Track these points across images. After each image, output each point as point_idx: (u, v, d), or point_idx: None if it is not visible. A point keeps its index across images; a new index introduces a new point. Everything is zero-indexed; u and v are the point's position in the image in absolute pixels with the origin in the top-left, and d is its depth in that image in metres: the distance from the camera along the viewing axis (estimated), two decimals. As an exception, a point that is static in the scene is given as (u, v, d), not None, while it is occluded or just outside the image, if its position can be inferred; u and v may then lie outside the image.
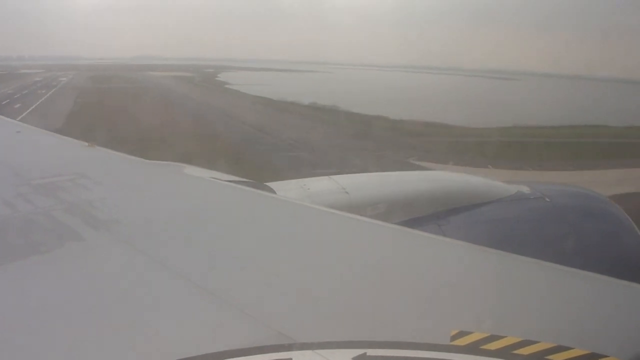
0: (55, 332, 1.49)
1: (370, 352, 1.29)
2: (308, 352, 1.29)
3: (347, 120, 40.90)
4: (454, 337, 1.35)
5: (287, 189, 3.73)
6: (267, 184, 3.65)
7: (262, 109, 48.49)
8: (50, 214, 2.53)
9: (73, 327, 1.52)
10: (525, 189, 4.42)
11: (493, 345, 1.31)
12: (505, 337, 1.34)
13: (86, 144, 4.61)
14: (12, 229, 2.40)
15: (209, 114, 41.06)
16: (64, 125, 26.71)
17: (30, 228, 2.39)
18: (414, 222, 3.69)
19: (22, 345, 1.44)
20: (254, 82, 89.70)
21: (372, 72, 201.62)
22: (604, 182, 18.24)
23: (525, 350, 1.29)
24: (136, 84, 71.62)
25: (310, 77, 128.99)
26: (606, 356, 1.27)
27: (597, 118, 49.38)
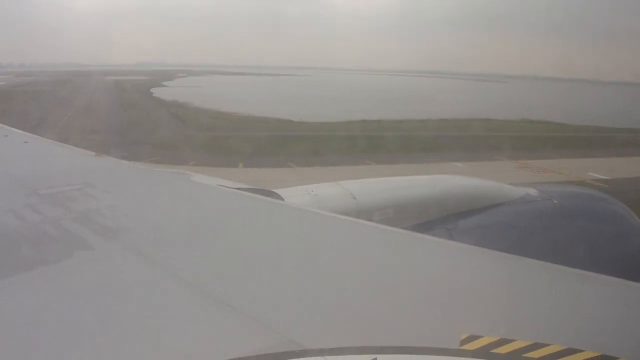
0: (65, 343, 1.48)
1: (381, 357, 1.27)
2: (318, 359, 1.29)
3: (173, 115, 43.70)
4: (463, 342, 1.33)
5: (295, 195, 3.65)
6: (274, 190, 3.58)
7: (121, 105, 52.84)
8: (59, 223, 2.50)
9: (83, 337, 1.51)
10: (532, 192, 4.32)
11: (503, 349, 1.29)
12: (516, 340, 1.31)
13: (93, 153, 4.54)
14: (21, 239, 2.37)
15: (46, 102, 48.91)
16: None
17: (39, 238, 2.37)
18: (422, 227, 3.60)
19: (33, 356, 1.43)
20: (190, 86, 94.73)
21: (331, 75, 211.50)
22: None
23: (536, 354, 1.26)
24: (58, 86, 76.88)
25: (261, 80, 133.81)
26: (618, 358, 1.24)
27: (491, 112, 51.17)
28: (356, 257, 2.09)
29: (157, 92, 72.43)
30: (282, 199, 3.33)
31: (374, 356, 1.26)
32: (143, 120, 38.88)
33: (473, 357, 1.26)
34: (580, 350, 1.25)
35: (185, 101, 56.08)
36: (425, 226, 3.61)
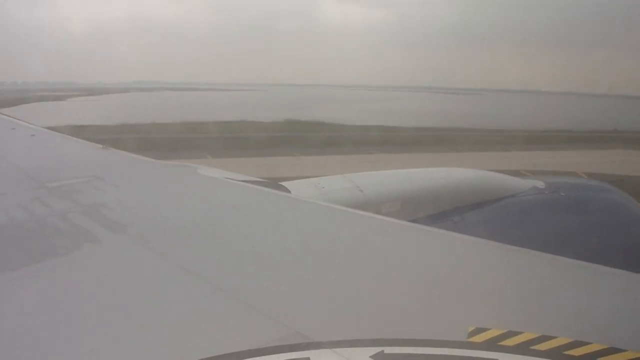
0: (74, 334, 1.49)
1: (388, 349, 1.27)
2: (326, 351, 1.28)
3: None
4: (471, 334, 1.33)
5: (302, 188, 3.65)
6: (281, 183, 3.59)
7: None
8: (67, 216, 2.52)
9: (91, 329, 1.52)
10: (539, 184, 4.34)
11: (511, 341, 1.29)
12: (523, 332, 1.31)
13: (100, 146, 4.60)
14: (29, 233, 2.38)
15: None
16: None
17: (47, 231, 2.39)
18: (429, 219, 3.62)
19: (42, 347, 1.44)
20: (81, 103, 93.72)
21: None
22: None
23: (543, 346, 1.26)
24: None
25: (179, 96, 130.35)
26: (625, 350, 1.23)
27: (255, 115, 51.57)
28: (363, 250, 2.08)
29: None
30: (289, 192, 3.34)
31: (380, 348, 1.26)
32: None
33: (480, 349, 1.26)
34: (588, 343, 1.25)
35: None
36: (432, 218, 3.62)
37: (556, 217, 4.12)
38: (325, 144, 31.25)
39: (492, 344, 1.26)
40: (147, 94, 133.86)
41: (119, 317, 1.56)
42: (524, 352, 1.23)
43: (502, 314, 1.47)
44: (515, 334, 1.29)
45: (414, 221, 2.88)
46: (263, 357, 1.26)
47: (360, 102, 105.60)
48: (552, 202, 4.19)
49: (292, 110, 63.57)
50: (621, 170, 20.96)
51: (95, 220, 2.40)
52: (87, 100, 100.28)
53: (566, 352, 1.22)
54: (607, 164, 23.96)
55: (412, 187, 3.92)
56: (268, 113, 55.09)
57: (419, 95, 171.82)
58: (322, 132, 38.07)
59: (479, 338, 1.29)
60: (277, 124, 45.73)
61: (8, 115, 7.15)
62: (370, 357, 1.23)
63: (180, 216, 2.57)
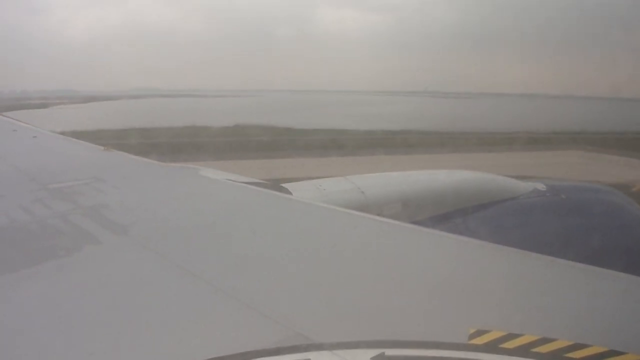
0: (75, 336, 1.50)
1: (389, 351, 1.28)
2: (326, 353, 1.29)
3: None
4: (472, 336, 1.34)
5: (303, 189, 3.67)
6: (282, 185, 3.58)
7: None
8: (68, 218, 2.54)
9: (93, 331, 1.53)
10: (541, 186, 4.31)
11: (511, 344, 1.30)
12: (524, 335, 1.32)
13: (102, 148, 4.59)
14: (30, 234, 2.40)
15: None
16: None
17: (49, 232, 2.40)
18: (430, 221, 3.59)
19: (43, 348, 1.45)
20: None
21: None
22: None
23: (543, 348, 1.27)
24: None
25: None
26: (625, 353, 1.24)
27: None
28: (364, 252, 2.10)
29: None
30: (290, 194, 3.35)
31: (381, 350, 1.27)
32: None
33: (481, 351, 1.27)
34: (588, 345, 1.26)
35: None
36: (434, 220, 3.59)
37: (557, 220, 4.08)
38: (252, 148, 29.33)
39: (493, 346, 1.27)
40: (134, 102, 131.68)
41: (121, 318, 1.57)
42: (525, 355, 1.24)
43: (503, 316, 1.47)
44: (516, 336, 1.30)
45: (415, 223, 2.84)
46: (264, 359, 1.27)
47: (346, 106, 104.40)
48: (553, 204, 4.17)
49: (260, 116, 62.68)
50: (572, 172, 20.21)
51: (96, 222, 2.41)
52: (72, 108, 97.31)
53: (566, 355, 1.23)
54: (558, 165, 23.05)
55: (413, 189, 3.90)
56: (228, 118, 53.57)
57: (409, 99, 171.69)
58: (261, 137, 36.25)
59: (479, 340, 1.30)
60: (222, 129, 43.65)
61: (10, 117, 7.08)
62: (370, 358, 1.24)
63: (182, 218, 2.57)
